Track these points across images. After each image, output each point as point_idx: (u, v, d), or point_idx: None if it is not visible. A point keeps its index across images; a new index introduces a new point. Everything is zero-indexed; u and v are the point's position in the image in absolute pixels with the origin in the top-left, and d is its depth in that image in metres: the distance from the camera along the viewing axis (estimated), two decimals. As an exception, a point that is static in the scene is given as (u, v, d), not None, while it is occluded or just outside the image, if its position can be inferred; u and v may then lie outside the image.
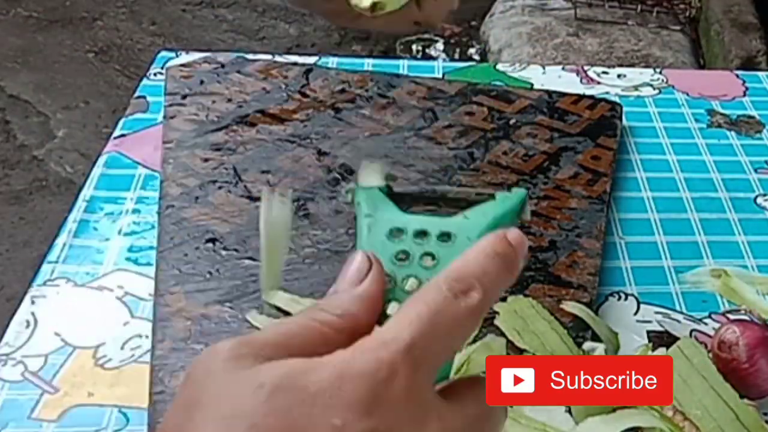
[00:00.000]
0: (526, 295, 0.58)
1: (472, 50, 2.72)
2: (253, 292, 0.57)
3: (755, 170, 0.74)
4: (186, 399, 0.32)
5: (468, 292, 0.35)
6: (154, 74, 0.80)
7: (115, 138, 0.73)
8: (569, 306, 0.55)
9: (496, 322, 0.55)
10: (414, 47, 2.74)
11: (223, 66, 0.80)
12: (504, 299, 0.56)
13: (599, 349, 0.53)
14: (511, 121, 0.75)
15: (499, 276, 0.37)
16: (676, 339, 0.58)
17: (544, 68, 0.87)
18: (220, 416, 0.30)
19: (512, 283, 0.37)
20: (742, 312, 0.61)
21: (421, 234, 0.40)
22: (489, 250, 0.37)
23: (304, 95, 0.76)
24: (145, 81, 0.80)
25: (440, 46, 2.76)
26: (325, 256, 0.60)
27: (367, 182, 0.45)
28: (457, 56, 2.72)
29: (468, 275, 0.36)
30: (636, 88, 0.84)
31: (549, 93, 0.79)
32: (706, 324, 0.60)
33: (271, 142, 0.70)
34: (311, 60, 0.84)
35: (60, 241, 0.63)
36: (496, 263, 0.37)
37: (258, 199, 0.63)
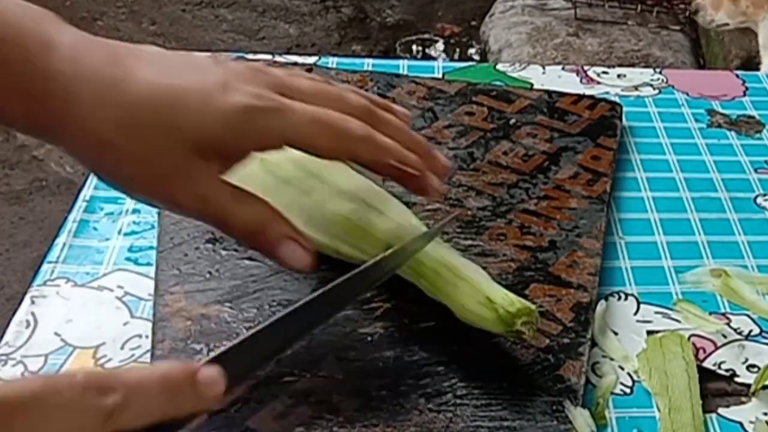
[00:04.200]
0: (525, 296, 0.58)
1: (471, 50, 2.72)
2: (253, 291, 0.57)
3: (755, 170, 0.74)
4: None
5: (105, 392, 0.37)
6: (154, 74, 0.80)
7: (115, 138, 0.73)
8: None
9: (638, 355, 0.56)
10: (414, 47, 2.75)
11: (223, 66, 0.80)
12: (657, 332, 0.58)
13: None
14: (511, 121, 0.75)
15: (155, 397, 0.38)
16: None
17: (544, 68, 0.87)
18: None
19: (169, 411, 0.39)
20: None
21: None
22: (162, 372, 0.40)
23: (304, 95, 0.76)
24: (145, 81, 0.79)
25: (440, 46, 2.76)
26: (325, 257, 0.60)
27: None
28: (456, 56, 2.72)
29: (115, 380, 0.38)
30: (636, 88, 0.84)
31: (549, 93, 0.79)
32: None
33: (271, 142, 0.70)
34: (311, 60, 0.84)
35: (60, 241, 0.63)
36: (160, 385, 0.39)
37: None
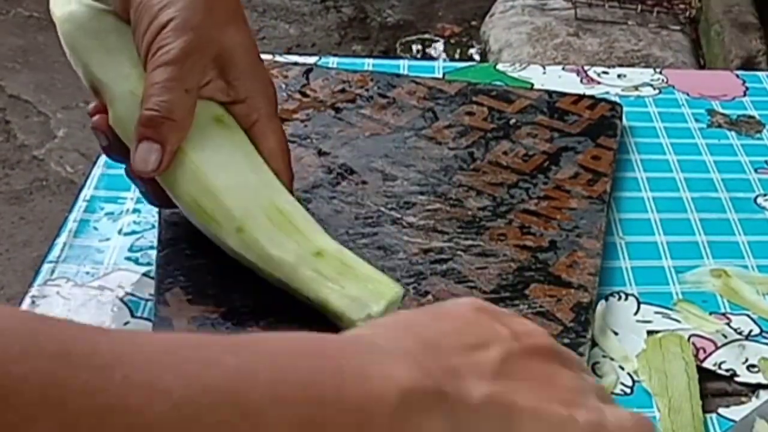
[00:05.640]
0: (525, 296, 0.58)
1: (472, 50, 2.72)
2: (253, 291, 0.57)
3: (755, 170, 0.74)
4: None
5: None
6: (155, 74, 0.80)
7: (115, 138, 0.73)
8: None
9: (638, 356, 0.56)
10: (414, 47, 2.75)
11: (223, 66, 0.80)
12: (657, 332, 0.58)
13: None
14: (511, 121, 0.75)
15: None
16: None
17: (544, 68, 0.87)
18: None
19: None
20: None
21: None
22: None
23: (304, 95, 0.76)
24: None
25: (440, 46, 2.76)
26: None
27: None
28: (457, 56, 2.72)
29: None
30: (636, 88, 0.84)
31: (549, 93, 0.79)
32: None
33: (272, 142, 0.70)
34: (311, 60, 0.84)
35: (60, 240, 0.63)
36: None
37: None
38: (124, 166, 0.57)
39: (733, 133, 0.79)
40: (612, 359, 0.56)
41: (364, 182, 0.67)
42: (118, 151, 0.57)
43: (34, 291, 0.59)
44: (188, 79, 0.54)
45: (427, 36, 2.76)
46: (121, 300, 0.59)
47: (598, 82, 0.85)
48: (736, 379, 0.56)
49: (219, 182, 0.54)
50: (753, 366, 0.57)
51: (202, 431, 0.29)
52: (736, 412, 0.54)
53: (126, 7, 0.57)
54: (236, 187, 0.54)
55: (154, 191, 0.57)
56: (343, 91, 0.77)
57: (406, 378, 0.33)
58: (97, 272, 0.61)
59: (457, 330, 0.39)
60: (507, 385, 0.37)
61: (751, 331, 0.59)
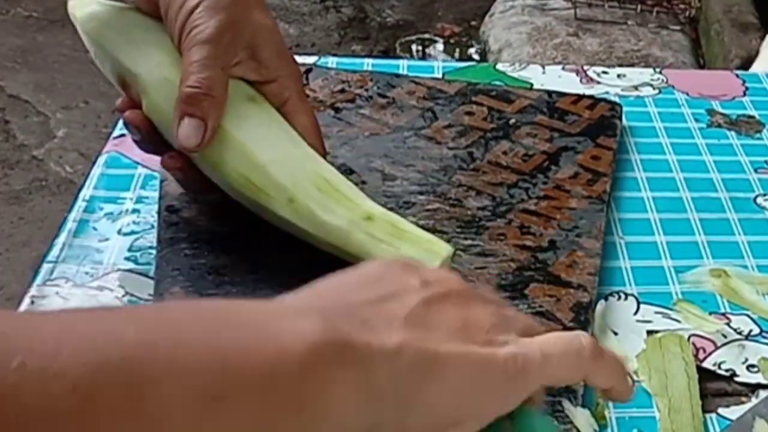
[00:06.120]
0: (525, 295, 0.58)
1: (471, 50, 2.72)
2: (253, 291, 0.57)
3: (755, 170, 0.74)
4: None
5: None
6: (154, 74, 0.80)
7: (115, 138, 0.73)
8: None
9: (637, 356, 0.56)
10: (414, 47, 2.75)
11: (222, 66, 0.80)
12: (657, 332, 0.58)
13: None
14: (511, 121, 0.75)
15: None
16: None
17: (544, 68, 0.87)
18: None
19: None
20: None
21: None
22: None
23: (304, 95, 0.76)
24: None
25: (440, 46, 2.76)
26: (325, 256, 0.60)
27: None
28: (456, 56, 2.72)
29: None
30: (636, 87, 0.84)
31: (549, 93, 0.79)
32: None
33: (271, 142, 0.70)
34: (311, 60, 0.84)
35: (59, 241, 0.63)
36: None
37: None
38: (123, 166, 0.57)
39: (732, 133, 0.79)
40: (612, 359, 0.56)
41: (363, 182, 0.67)
42: (150, 143, 0.59)
43: (33, 291, 0.59)
44: (223, 57, 0.56)
45: (426, 36, 2.76)
46: (121, 300, 0.59)
47: (598, 82, 0.85)
48: (736, 379, 0.56)
49: (265, 157, 0.56)
50: (753, 366, 0.57)
51: (100, 410, 0.28)
52: (735, 412, 0.54)
53: None
54: (282, 160, 0.56)
55: (191, 179, 0.58)
56: (342, 91, 0.77)
57: (311, 332, 0.34)
58: (96, 272, 0.61)
59: (366, 284, 0.39)
60: (421, 331, 0.37)
61: (750, 331, 0.59)
